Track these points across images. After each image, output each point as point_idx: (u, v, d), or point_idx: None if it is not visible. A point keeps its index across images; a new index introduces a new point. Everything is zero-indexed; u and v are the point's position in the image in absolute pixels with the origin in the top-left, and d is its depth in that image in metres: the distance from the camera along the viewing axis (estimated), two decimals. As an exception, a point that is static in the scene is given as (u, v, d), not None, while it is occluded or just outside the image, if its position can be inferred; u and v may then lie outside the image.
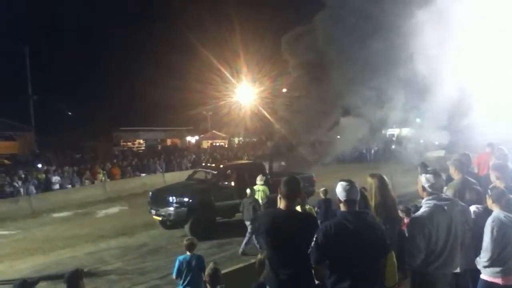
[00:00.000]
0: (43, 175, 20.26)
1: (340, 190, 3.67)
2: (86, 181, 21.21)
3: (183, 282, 6.39)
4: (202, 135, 43.34)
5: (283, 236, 3.66)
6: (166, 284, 8.71)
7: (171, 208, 12.26)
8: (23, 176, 19.32)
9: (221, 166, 15.11)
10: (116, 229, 13.60)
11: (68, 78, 38.88)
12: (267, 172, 14.64)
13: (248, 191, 11.01)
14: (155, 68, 36.97)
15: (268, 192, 11.90)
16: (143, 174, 24.25)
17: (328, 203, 10.14)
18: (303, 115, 15.74)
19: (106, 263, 10.35)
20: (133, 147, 39.27)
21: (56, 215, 16.76)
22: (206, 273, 5.16)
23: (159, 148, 37.64)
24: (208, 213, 12.46)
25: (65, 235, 13.24)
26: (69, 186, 20.34)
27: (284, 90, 32.21)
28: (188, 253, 6.57)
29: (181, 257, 6.50)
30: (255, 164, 16.79)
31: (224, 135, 41.78)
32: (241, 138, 39.51)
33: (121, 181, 21.69)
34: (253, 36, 30.32)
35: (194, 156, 29.82)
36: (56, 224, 15.27)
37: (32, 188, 18.57)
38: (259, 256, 5.44)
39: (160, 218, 12.69)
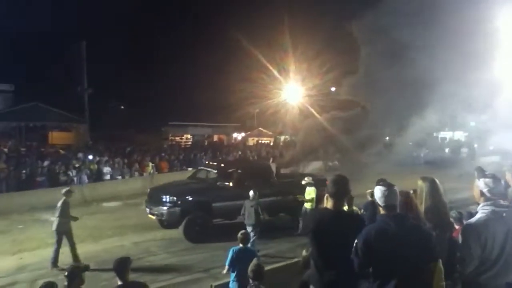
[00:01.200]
0: (95, 166, 21.04)
1: (378, 195, 3.54)
2: (136, 173, 21.86)
3: (234, 273, 6.52)
4: (249, 132, 43.56)
5: (330, 237, 3.58)
6: (209, 277, 8.81)
7: (164, 208, 11.82)
8: (76, 166, 20.16)
9: (222, 165, 14.48)
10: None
11: (122, 74, 40.12)
12: (274, 174, 13.94)
13: (251, 193, 10.61)
14: (205, 65, 37.47)
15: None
16: (190, 169, 24.60)
17: (376, 205, 9.91)
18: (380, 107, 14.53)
19: (151, 254, 10.61)
20: (181, 142, 40.07)
21: (106, 204, 17.41)
22: (250, 268, 5.18)
23: (206, 143, 38.18)
24: (203, 215, 11.88)
25: (113, 225, 13.69)
26: (119, 177, 21.01)
27: (333, 88, 31.78)
28: (241, 245, 6.68)
29: (234, 249, 6.66)
30: (261, 165, 16.22)
31: (270, 133, 41.80)
32: (287, 136, 39.35)
33: (168, 175, 22.13)
34: (302, 33, 30.03)
35: (240, 153, 30.01)
36: (105, 213, 15.86)
37: (85, 178, 19.32)
38: (304, 253, 5.47)
39: (154, 217, 12.30)
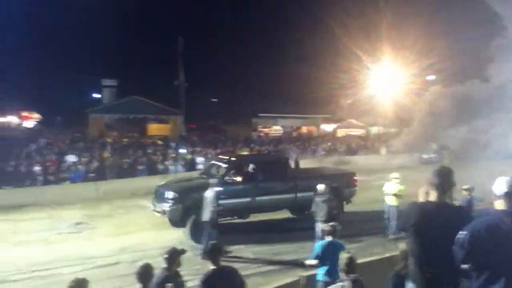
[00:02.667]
0: (189, 156, 21.97)
1: (501, 184, 3.17)
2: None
3: (322, 267, 6.39)
4: (339, 124, 42.72)
5: (433, 231, 3.29)
6: (297, 267, 8.75)
7: (166, 205, 11.10)
8: (172, 156, 21.20)
9: (233, 158, 13.17)
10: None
11: (215, 67, 41.41)
12: (292, 168, 12.95)
13: (321, 187, 9.96)
14: (295, 57, 37.35)
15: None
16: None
17: (472, 203, 9.18)
18: None
19: (241, 241, 10.75)
20: (270, 133, 40.45)
21: None
22: (342, 261, 5.00)
23: (294, 135, 38.13)
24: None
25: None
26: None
27: (431, 77, 29.93)
28: (330, 238, 6.53)
29: (323, 242, 6.52)
30: (277, 158, 14.76)
31: (361, 124, 40.61)
32: (380, 128, 37.96)
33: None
34: (396, 22, 28.67)
35: (329, 144, 29.56)
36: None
37: (180, 167, 20.23)
38: (401, 246, 5.20)
39: (159, 214, 11.63)
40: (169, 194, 11.12)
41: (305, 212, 12.13)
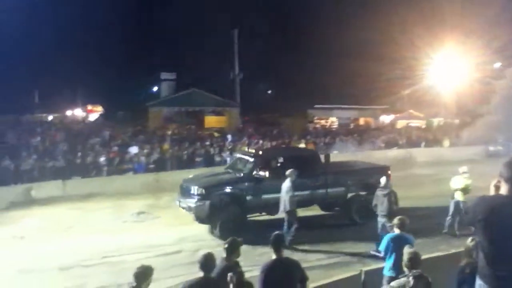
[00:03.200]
0: (245, 148, 22.15)
1: None
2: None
3: (390, 260, 6.28)
4: (398, 115, 41.41)
5: (504, 226, 3.11)
6: (357, 262, 8.64)
7: (192, 201, 10.75)
8: (229, 148, 21.50)
9: (260, 153, 12.93)
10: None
11: (270, 58, 41.36)
12: (323, 162, 12.13)
13: (382, 180, 9.54)
14: (350, 46, 36.50)
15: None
16: (335, 152, 24.49)
17: None
18: None
19: (300, 235, 10.69)
20: (326, 125, 39.96)
21: None
22: (407, 256, 4.86)
23: (352, 126, 37.42)
24: (236, 210, 10.78)
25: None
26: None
27: (498, 64, 28.30)
28: (398, 231, 6.40)
29: (391, 235, 6.41)
30: (307, 152, 14.40)
31: (422, 115, 39.13)
32: (441, 119, 36.41)
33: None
34: (457, 7, 27.29)
35: (389, 136, 28.76)
36: None
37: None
38: (468, 243, 5.01)
39: (184, 211, 11.33)
40: (195, 190, 10.75)
41: (335, 208, 12.24)
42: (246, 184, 11.02)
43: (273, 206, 10.82)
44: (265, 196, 10.89)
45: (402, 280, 4.65)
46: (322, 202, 12.05)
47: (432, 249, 8.58)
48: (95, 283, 7.88)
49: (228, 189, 10.97)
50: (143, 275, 4.92)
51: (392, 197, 9.44)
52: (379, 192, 9.61)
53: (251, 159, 11.72)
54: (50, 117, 30.69)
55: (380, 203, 9.46)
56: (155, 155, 19.75)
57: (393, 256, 6.27)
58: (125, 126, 27.64)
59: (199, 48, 36.19)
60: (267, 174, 11.11)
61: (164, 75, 37.49)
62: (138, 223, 12.18)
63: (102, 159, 18.62)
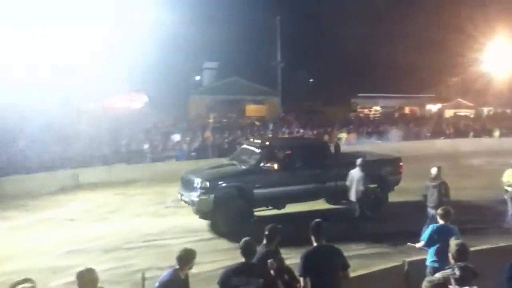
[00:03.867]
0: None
1: None
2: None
3: (432, 251, 6.07)
4: (445, 104, 39.92)
5: None
6: (398, 253, 8.40)
7: (195, 194, 10.07)
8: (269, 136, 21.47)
9: (267, 143, 11.99)
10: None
11: (312, 47, 40.86)
12: (332, 153, 11.77)
13: (433, 170, 9.12)
14: (396, 32, 35.41)
15: None
16: (379, 141, 24.05)
17: None
18: None
19: (340, 222, 10.49)
20: (369, 114, 39.12)
21: None
22: (453, 248, 4.64)
23: (396, 116, 36.44)
24: (242, 204, 10.13)
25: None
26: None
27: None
28: (442, 222, 6.18)
29: (435, 226, 6.19)
30: (316, 143, 13.74)
31: (471, 104, 37.55)
32: (491, 108, 34.85)
33: (356, 146, 21.94)
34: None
35: (435, 125, 27.84)
36: None
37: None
38: None
39: (186, 205, 10.74)
40: (199, 182, 10.04)
41: (343, 201, 11.26)
42: (253, 176, 10.35)
43: (280, 200, 10.48)
44: (272, 189, 10.33)
45: (448, 271, 4.46)
46: (331, 195, 11.43)
47: (481, 242, 8.24)
48: (138, 265, 8.05)
49: (234, 182, 10.28)
50: (186, 258, 4.98)
51: (442, 188, 9.10)
52: (429, 183, 9.30)
53: (258, 150, 11.05)
54: (95, 104, 31.55)
55: (430, 194, 9.16)
56: (196, 143, 20.01)
57: (436, 247, 6.04)
58: (168, 114, 28.08)
59: (241, 37, 36.07)
60: (275, 166, 10.42)
61: (206, 64, 37.80)
62: (180, 208, 12.35)
63: (145, 146, 19.08)
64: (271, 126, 24.58)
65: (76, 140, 17.56)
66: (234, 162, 11.40)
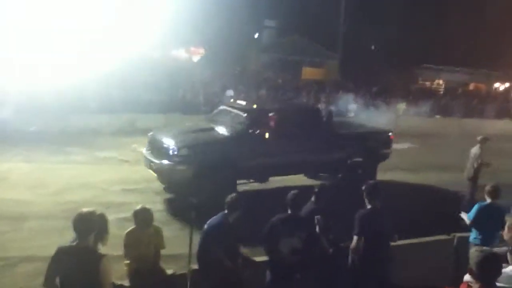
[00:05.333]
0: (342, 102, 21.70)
1: None
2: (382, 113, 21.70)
3: (478, 230, 5.87)
4: (515, 82, 37.45)
5: None
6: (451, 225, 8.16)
7: (168, 162, 8.62)
8: (323, 101, 21.20)
9: (255, 106, 10.51)
10: (403, 164, 13.37)
11: (378, 12, 39.08)
12: (324, 121, 10.41)
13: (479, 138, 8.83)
14: (467, 4, 33.16)
15: None
16: (438, 116, 23.21)
17: None
18: None
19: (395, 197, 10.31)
20: (431, 87, 37.48)
21: None
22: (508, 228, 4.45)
23: (460, 91, 34.68)
24: (227, 176, 8.58)
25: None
26: (364, 115, 21.21)
27: None
28: (489, 200, 5.94)
29: (482, 204, 5.96)
30: (308, 109, 11.99)
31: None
32: None
33: (414, 119, 21.25)
34: None
35: (500, 105, 26.34)
36: None
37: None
38: None
39: (155, 174, 9.16)
40: (175, 149, 8.61)
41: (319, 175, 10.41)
42: (238, 144, 8.99)
43: (266, 172, 9.39)
44: (259, 160, 9.08)
45: (503, 249, 4.31)
46: (318, 168, 10.32)
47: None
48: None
49: (217, 151, 8.79)
50: (235, 204, 5.19)
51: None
52: (473, 151, 9.34)
53: (243, 114, 9.62)
54: (155, 55, 32.21)
55: (470, 164, 9.30)
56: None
57: (481, 226, 5.81)
58: (225, 69, 28.21)
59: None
60: (265, 133, 9.14)
61: (267, 22, 37.27)
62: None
63: (200, 98, 19.41)
64: (327, 90, 24.14)
65: (136, 87, 18.12)
66: (213, 125, 9.79)
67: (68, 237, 4.10)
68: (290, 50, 33.09)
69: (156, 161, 8.91)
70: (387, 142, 11.10)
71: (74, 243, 3.82)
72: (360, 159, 10.31)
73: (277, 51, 33.61)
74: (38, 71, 15.11)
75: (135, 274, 4.93)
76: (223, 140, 9.17)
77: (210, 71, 25.99)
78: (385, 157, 10.96)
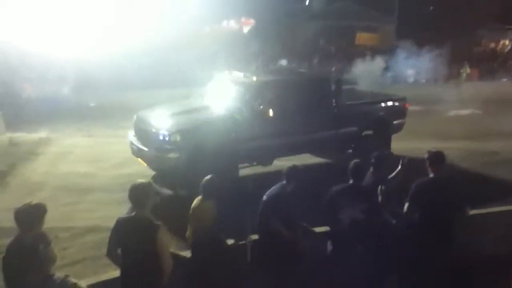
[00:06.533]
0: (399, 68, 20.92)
1: None
2: (442, 79, 20.84)
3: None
4: None
5: None
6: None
7: (157, 150, 7.51)
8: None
9: (255, 78, 8.62)
10: (464, 132, 12.78)
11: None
12: (332, 92, 9.05)
13: None
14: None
15: None
16: (504, 79, 21.79)
17: None
18: None
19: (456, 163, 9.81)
20: (496, 48, 35.09)
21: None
22: None
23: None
24: (224, 162, 7.33)
25: (412, 128, 13.41)
26: (424, 80, 20.52)
27: None
28: None
29: None
30: (316, 78, 10.05)
31: None
32: None
33: (478, 84, 20.11)
34: None
35: None
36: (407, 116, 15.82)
37: (389, 79, 19.54)
38: None
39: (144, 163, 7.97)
40: (165, 135, 7.48)
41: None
42: (238, 124, 7.86)
43: (270, 153, 8.26)
44: (262, 141, 7.91)
45: None
46: (329, 146, 9.19)
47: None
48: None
49: (214, 134, 7.52)
50: (293, 174, 5.08)
51: None
52: None
53: (242, 88, 8.37)
54: (207, 28, 32.28)
55: None
56: (303, 69, 19.69)
57: None
58: (276, 39, 27.80)
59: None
60: (269, 110, 7.89)
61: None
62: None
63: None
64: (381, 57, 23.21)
65: (189, 61, 18.23)
66: (207, 103, 8.58)
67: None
68: (343, 16, 31.96)
69: (144, 148, 7.79)
70: (402, 112, 10.08)
71: (132, 214, 3.89)
72: (370, 132, 9.47)
73: (328, 17, 32.55)
74: (96, 51, 15.51)
75: (196, 245, 4.97)
76: (219, 121, 7.87)
77: (261, 42, 25.72)
78: (398, 128, 10.02)
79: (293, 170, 5.08)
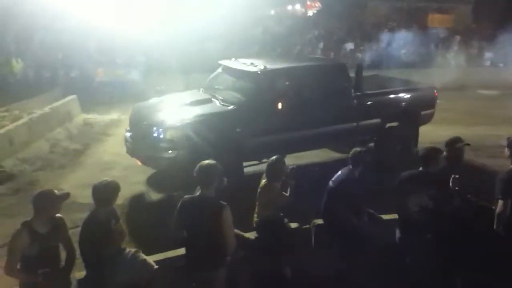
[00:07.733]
0: (476, 51, 19.81)
1: None
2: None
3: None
4: None
5: None
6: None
7: (155, 149, 6.83)
8: (456, 49, 19.44)
9: (263, 67, 7.57)
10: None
11: None
12: (352, 80, 8.18)
13: None
14: None
15: None
16: None
17: None
18: None
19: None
20: None
21: (482, 91, 16.54)
22: None
23: None
24: (229, 160, 6.35)
25: (486, 113, 12.88)
26: (501, 64, 19.23)
27: None
28: None
29: None
30: (332, 65, 9.32)
31: None
32: None
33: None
34: None
35: None
36: (480, 101, 15.11)
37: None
38: None
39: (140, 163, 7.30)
40: (162, 132, 6.79)
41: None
42: (246, 119, 7.13)
43: (281, 149, 6.52)
44: (272, 136, 7.20)
45: None
46: (348, 140, 8.29)
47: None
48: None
49: (217, 132, 6.84)
50: (358, 158, 4.97)
51: None
52: None
53: (249, 78, 7.61)
54: (272, 11, 32.06)
55: None
56: (370, 52, 19.04)
57: None
58: (343, 21, 27.07)
59: None
60: (279, 103, 7.19)
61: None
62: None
63: (319, 53, 19.00)
64: (458, 38, 21.96)
65: (254, 44, 18.22)
66: (210, 95, 7.84)
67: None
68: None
69: (140, 146, 7.19)
70: (431, 101, 9.22)
71: (197, 194, 3.93)
72: (395, 124, 8.77)
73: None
74: (163, 35, 15.89)
75: (260, 226, 4.97)
76: (224, 116, 7.15)
77: (328, 24, 25.18)
78: (427, 119, 9.21)
79: (358, 154, 4.93)
